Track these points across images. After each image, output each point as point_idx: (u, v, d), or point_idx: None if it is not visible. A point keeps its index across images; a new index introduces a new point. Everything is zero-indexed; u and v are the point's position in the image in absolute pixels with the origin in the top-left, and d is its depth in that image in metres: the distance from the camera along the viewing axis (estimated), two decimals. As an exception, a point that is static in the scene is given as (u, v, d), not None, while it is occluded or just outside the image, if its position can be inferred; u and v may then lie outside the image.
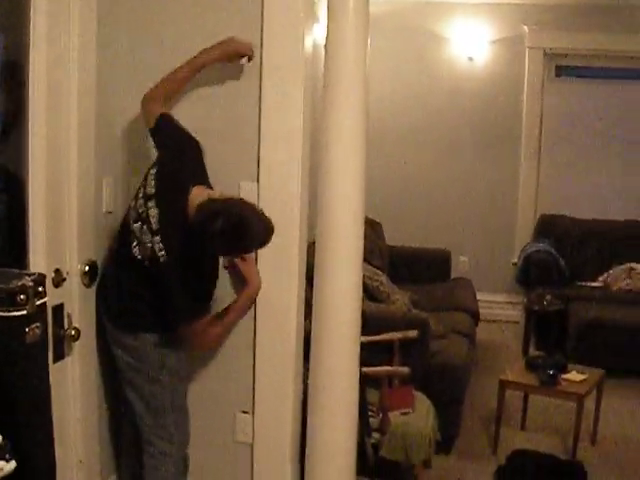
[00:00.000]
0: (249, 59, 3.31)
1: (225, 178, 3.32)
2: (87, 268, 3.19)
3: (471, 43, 7.67)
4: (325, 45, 3.18)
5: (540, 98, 7.74)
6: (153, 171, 3.13)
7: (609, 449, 4.84)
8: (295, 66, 3.29)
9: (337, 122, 3.18)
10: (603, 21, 7.31)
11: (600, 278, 7.23)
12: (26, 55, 2.88)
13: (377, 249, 6.48)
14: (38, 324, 1.84)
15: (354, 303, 3.30)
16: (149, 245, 2.98)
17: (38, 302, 1.84)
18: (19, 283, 1.80)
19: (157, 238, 2.97)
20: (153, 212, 3.01)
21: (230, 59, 3.30)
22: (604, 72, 7.80)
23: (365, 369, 3.60)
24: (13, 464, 1.79)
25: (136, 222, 3.06)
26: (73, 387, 3.18)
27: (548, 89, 7.79)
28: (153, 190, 3.06)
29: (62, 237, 3.06)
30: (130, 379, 3.24)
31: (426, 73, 7.84)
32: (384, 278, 5.56)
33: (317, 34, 3.44)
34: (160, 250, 2.96)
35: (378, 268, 5.75)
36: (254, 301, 3.42)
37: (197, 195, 3.01)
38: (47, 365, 1.96)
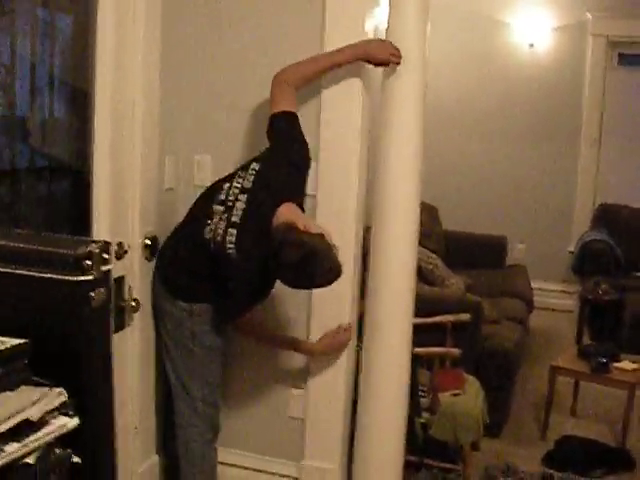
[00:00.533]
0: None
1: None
2: (148, 242, 3.30)
3: (533, 30, 7.60)
4: (386, 30, 3.23)
5: (602, 86, 7.62)
6: (256, 166, 3.10)
7: (659, 439, 4.83)
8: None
9: (395, 107, 3.21)
10: (669, 8, 7.19)
11: (657, 269, 7.16)
12: (93, 37, 2.98)
13: (433, 233, 6.49)
14: (103, 289, 1.93)
15: (408, 284, 3.34)
16: (221, 232, 2.97)
17: (103, 268, 1.93)
18: (86, 249, 1.90)
19: (232, 231, 2.96)
20: (240, 205, 3.00)
21: (369, 62, 3.25)
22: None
23: (417, 349, 3.65)
24: (76, 420, 1.88)
25: (220, 205, 3.05)
26: (132, 356, 3.29)
27: (610, 77, 7.67)
28: (249, 185, 3.04)
29: (125, 211, 3.16)
30: (166, 346, 3.30)
31: (486, 59, 7.79)
32: (439, 262, 5.58)
33: (378, 18, 3.47)
34: (230, 243, 2.94)
35: (433, 252, 5.76)
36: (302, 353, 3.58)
37: (284, 211, 2.95)
38: (110, 329, 2.06)
